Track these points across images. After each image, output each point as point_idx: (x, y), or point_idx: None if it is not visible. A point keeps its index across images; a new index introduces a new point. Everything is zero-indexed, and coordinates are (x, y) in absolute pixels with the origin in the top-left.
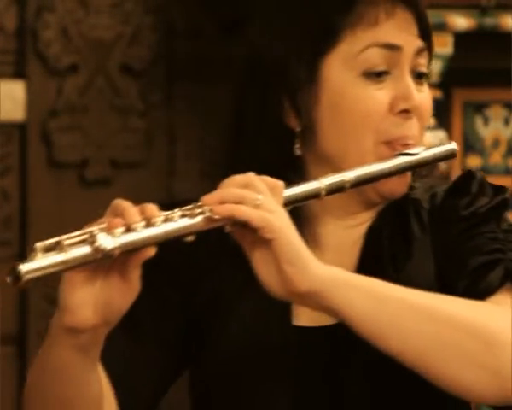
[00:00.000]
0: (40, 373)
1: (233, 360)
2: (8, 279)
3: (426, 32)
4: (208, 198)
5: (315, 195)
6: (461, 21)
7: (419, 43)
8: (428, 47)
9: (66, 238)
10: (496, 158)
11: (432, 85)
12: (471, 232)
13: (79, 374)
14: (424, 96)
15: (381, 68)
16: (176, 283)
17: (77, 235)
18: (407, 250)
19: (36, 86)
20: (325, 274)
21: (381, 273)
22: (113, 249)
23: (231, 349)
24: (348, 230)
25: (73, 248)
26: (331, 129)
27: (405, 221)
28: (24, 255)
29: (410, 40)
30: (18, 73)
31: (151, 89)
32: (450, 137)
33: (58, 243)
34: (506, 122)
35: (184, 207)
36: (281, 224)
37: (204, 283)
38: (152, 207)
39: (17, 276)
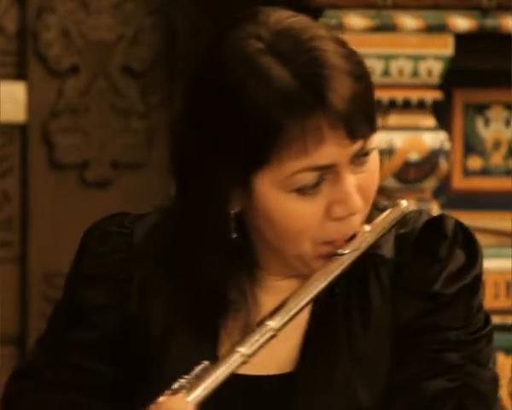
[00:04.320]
0: None
1: None
2: None
3: (361, 128)
4: None
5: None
6: (461, 22)
7: (355, 147)
8: (371, 130)
9: None
10: (497, 159)
11: (433, 86)
12: (431, 322)
13: None
14: (365, 177)
15: (314, 183)
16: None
17: None
18: (364, 323)
19: (37, 87)
20: None
21: (333, 352)
22: None
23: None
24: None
25: None
26: (268, 233)
27: (364, 287)
28: (24, 257)
29: (343, 153)
30: (19, 75)
31: (152, 90)
32: (451, 139)
33: None
34: (507, 123)
35: None
36: None
37: (137, 327)
38: None
39: None
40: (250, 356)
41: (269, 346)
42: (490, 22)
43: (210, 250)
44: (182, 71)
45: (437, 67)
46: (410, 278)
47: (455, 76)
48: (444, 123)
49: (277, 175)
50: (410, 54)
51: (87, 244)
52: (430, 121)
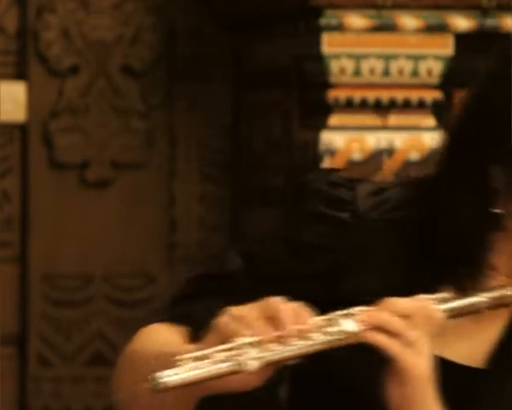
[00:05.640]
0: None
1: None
2: (149, 384)
3: None
4: (365, 317)
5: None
6: (461, 22)
7: None
8: None
9: (213, 351)
10: None
11: (433, 86)
12: None
13: None
14: None
15: None
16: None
17: (224, 349)
18: None
19: (37, 87)
20: None
21: None
22: (255, 369)
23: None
24: None
25: (218, 362)
26: None
27: None
28: (24, 257)
29: None
30: (19, 75)
31: (152, 90)
32: None
33: (206, 355)
34: None
35: (343, 312)
36: (419, 373)
37: (347, 277)
38: (306, 317)
39: (158, 383)
40: (484, 306)
41: (469, 335)
42: (490, 22)
43: (466, 220)
44: (182, 71)
45: (437, 67)
46: None
47: (454, 76)
48: (444, 123)
49: None
50: (410, 54)
51: (315, 185)
52: (430, 121)
